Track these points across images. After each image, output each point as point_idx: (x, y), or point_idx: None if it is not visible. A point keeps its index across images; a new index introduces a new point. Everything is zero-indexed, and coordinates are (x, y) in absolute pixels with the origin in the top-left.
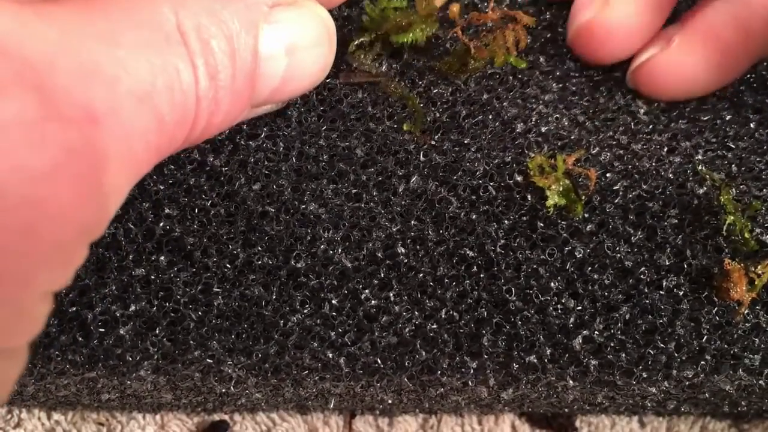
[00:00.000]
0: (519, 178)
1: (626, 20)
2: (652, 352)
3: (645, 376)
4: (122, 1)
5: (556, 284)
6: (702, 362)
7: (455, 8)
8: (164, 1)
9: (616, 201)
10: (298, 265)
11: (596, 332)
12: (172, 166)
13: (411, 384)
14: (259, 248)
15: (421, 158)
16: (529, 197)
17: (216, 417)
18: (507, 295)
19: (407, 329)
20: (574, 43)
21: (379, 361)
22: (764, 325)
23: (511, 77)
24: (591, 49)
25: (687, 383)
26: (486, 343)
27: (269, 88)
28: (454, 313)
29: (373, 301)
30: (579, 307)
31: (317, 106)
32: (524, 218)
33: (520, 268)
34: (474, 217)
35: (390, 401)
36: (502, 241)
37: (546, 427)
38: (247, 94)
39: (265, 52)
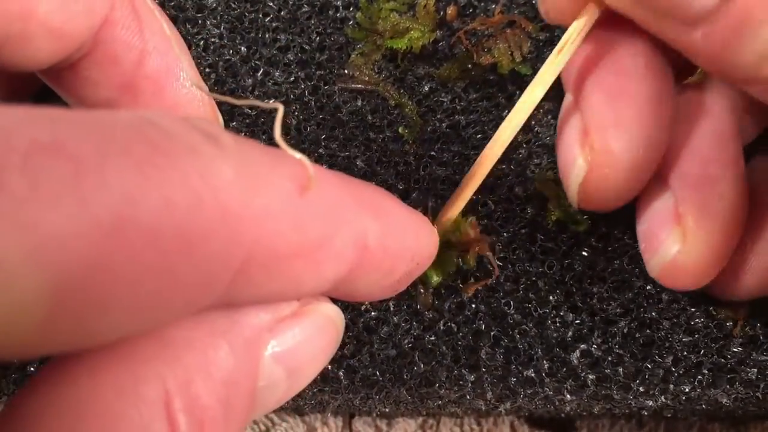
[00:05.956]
0: (518, 190)
1: (708, 253)
2: (649, 366)
3: (642, 390)
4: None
5: (555, 297)
6: (699, 376)
7: (452, 11)
8: (153, 369)
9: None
10: None
11: (594, 346)
12: None
13: (409, 396)
14: None
15: (421, 172)
16: (528, 210)
17: None
18: (506, 308)
19: (406, 341)
20: (660, 277)
21: (377, 373)
22: (761, 338)
23: (510, 85)
24: (679, 282)
25: (684, 397)
26: (484, 356)
27: (260, 414)
28: (452, 325)
29: (372, 313)
30: (578, 321)
31: (316, 114)
32: (523, 231)
33: (519, 280)
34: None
35: (387, 410)
36: (501, 255)
37: (545, 428)
38: None
39: (263, 384)
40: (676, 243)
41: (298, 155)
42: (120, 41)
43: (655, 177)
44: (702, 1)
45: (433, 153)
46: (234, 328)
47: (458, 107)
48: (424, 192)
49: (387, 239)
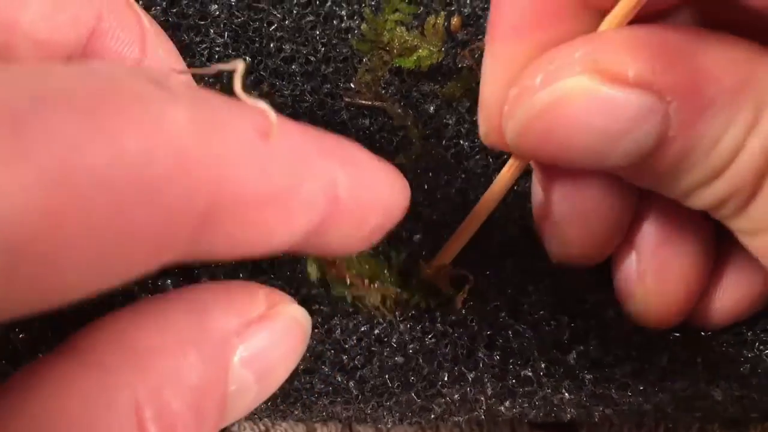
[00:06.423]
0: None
1: (667, 308)
2: (646, 366)
3: (641, 388)
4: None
5: (551, 300)
6: (695, 374)
7: (456, 21)
8: (123, 378)
9: None
10: (312, 292)
11: (591, 347)
12: None
13: (418, 400)
14: (272, 275)
15: (432, 216)
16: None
17: None
18: (501, 314)
19: (410, 346)
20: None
21: (388, 381)
22: (748, 336)
23: None
24: (650, 326)
25: (681, 395)
26: (481, 355)
27: (232, 420)
28: (448, 327)
29: (384, 325)
30: (573, 324)
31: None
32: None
33: (508, 290)
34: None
35: (390, 424)
36: (494, 266)
37: (546, 429)
38: None
39: (233, 389)
40: (639, 298)
41: (260, 104)
42: (111, 53)
43: (626, 237)
44: (616, 160)
45: (438, 193)
46: (202, 334)
47: (463, 129)
48: (428, 234)
49: (358, 189)
